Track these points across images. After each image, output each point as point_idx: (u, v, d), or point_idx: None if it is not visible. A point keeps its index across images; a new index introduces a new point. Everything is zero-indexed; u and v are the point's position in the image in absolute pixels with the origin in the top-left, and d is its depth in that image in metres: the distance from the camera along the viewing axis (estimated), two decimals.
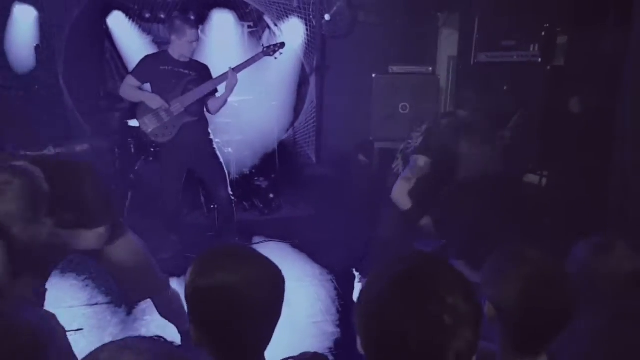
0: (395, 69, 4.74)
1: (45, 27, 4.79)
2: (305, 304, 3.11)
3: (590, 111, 3.50)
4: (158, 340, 0.78)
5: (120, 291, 2.57)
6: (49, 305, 2.28)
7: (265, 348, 1.15)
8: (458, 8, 4.98)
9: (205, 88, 3.38)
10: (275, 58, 3.59)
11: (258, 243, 4.07)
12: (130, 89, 3.38)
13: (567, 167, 3.71)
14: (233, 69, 3.38)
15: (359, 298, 0.93)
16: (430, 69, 4.86)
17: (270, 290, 1.11)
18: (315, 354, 1.11)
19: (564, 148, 3.69)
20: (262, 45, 3.61)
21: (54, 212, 1.93)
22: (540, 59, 3.81)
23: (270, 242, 4.08)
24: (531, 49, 3.87)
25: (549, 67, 3.77)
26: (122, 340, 0.75)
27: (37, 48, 4.35)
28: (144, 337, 0.79)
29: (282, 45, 3.60)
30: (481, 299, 1.22)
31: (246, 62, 3.46)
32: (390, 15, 5.54)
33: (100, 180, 2.13)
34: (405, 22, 5.49)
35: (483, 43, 4.31)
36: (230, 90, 3.41)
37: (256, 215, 4.69)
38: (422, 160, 2.93)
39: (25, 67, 4.55)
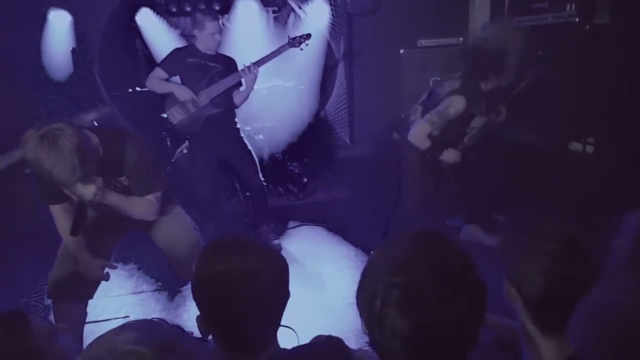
0: (424, 42, 4.61)
1: (79, 30, 4.98)
2: (341, 286, 3.12)
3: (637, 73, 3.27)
4: (160, 323, 0.81)
5: (171, 269, 2.67)
6: (99, 294, 2.42)
7: (273, 335, 1.15)
8: None
9: (229, 81, 3.41)
10: (301, 49, 3.55)
11: (293, 227, 4.12)
12: (157, 80, 3.45)
13: (612, 134, 3.50)
14: (255, 63, 3.37)
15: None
16: (461, 39, 4.68)
17: (270, 278, 1.10)
18: (329, 337, 1.11)
19: (608, 114, 3.47)
20: (288, 36, 3.54)
21: (107, 176, 2.07)
22: (577, 19, 3.57)
23: (305, 226, 4.12)
24: (567, 9, 3.62)
25: (587, 27, 3.52)
26: (130, 322, 0.78)
27: (73, 51, 4.52)
28: (149, 320, 0.82)
29: (308, 36, 3.55)
30: (500, 275, 1.18)
31: (271, 54, 3.45)
32: None
33: (149, 149, 2.19)
34: None
35: (515, 7, 4.10)
36: (250, 84, 3.42)
37: (291, 200, 4.73)
38: (456, 106, 2.87)
39: (63, 71, 4.75)
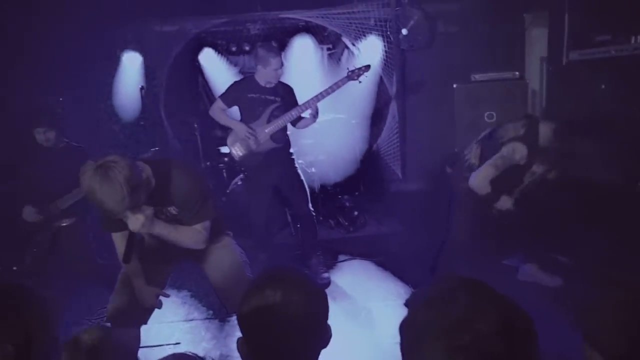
0: (477, 77, 4.58)
1: (148, 69, 5.38)
2: (390, 324, 3.04)
3: None
4: (194, 357, 0.84)
5: (219, 300, 2.71)
6: (153, 320, 2.52)
7: None
8: (546, 6, 4.67)
9: (289, 116, 3.49)
10: (360, 82, 3.58)
11: (343, 261, 4.10)
12: (218, 111, 3.60)
13: None
14: (315, 97, 3.45)
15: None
16: (517, 73, 4.60)
17: (308, 312, 1.13)
18: None
19: None
20: (347, 69, 3.57)
21: (157, 205, 2.16)
22: None
23: (355, 260, 4.08)
24: (632, 41, 3.48)
25: None
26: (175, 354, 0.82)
27: (141, 89, 4.87)
28: (184, 353, 0.85)
29: (367, 68, 3.57)
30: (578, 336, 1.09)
31: (329, 88, 3.50)
32: (471, 22, 5.36)
33: (199, 180, 2.27)
34: (487, 27, 5.27)
35: (575, 40, 3.99)
36: (313, 119, 3.53)
37: (341, 233, 4.73)
38: (521, 150, 2.81)
39: (132, 109, 5.13)
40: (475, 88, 4.54)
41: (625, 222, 3.12)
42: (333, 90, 3.51)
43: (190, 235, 2.24)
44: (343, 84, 3.54)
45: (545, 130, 2.85)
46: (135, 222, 2.01)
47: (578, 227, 3.26)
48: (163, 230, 2.16)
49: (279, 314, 1.10)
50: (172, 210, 2.24)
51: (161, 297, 2.37)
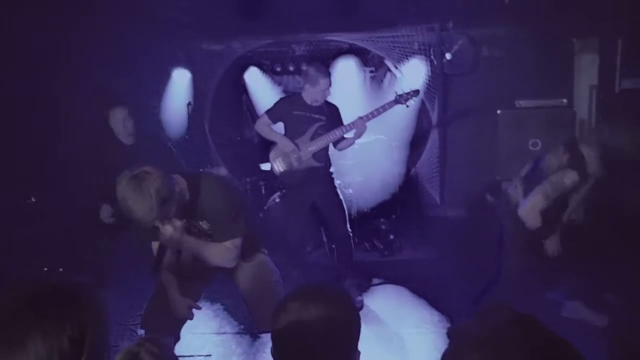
0: (522, 103, 4.48)
1: (196, 86, 5.59)
2: (422, 352, 2.96)
3: None
4: None
5: (250, 316, 2.70)
6: (185, 330, 2.56)
7: None
8: (597, 32, 4.55)
9: (333, 136, 3.52)
10: (407, 106, 3.58)
11: (377, 285, 4.04)
12: (264, 125, 3.63)
13: None
14: (362, 117, 3.46)
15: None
16: (565, 101, 4.47)
17: (345, 330, 1.14)
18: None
19: None
20: (395, 92, 3.57)
21: (190, 219, 2.19)
22: None
23: (389, 285, 4.02)
24: None
25: None
26: None
27: (188, 105, 5.07)
28: None
29: (416, 93, 3.57)
30: None
31: (376, 110, 3.51)
32: (517, 47, 5.28)
33: (234, 196, 2.27)
34: (534, 53, 5.17)
35: (628, 68, 3.86)
36: (357, 137, 3.54)
37: (376, 256, 4.67)
38: (572, 176, 2.71)
39: (179, 122, 5.32)
40: (519, 114, 4.45)
41: None
42: (380, 113, 3.52)
43: (220, 252, 2.24)
44: (390, 107, 3.54)
45: (588, 154, 2.75)
46: (164, 233, 2.05)
47: (627, 264, 3.09)
48: (192, 244, 2.19)
49: (311, 328, 1.11)
50: (204, 224, 2.25)
51: (194, 309, 2.40)
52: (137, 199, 1.86)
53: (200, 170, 4.27)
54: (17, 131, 3.81)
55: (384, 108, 3.52)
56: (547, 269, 3.13)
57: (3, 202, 3.81)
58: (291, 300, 1.18)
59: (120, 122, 3.41)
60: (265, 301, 2.41)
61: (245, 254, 2.41)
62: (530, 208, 2.80)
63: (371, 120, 3.54)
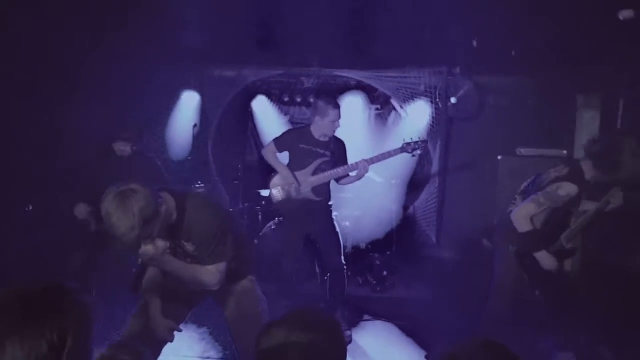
0: (523, 151, 4.54)
1: (203, 108, 5.69)
2: None
3: None
4: None
5: (233, 344, 2.63)
6: (168, 352, 2.50)
7: None
8: (599, 88, 4.67)
9: (335, 173, 3.54)
10: (413, 156, 3.61)
11: (366, 320, 3.98)
12: (270, 152, 3.65)
13: None
14: (366, 160, 3.49)
15: None
16: (565, 152, 4.53)
17: (326, 357, 1.11)
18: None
19: None
20: (403, 140, 3.60)
21: (175, 239, 2.15)
22: None
23: (379, 321, 3.96)
24: None
25: None
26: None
27: (194, 126, 5.14)
28: None
29: (424, 143, 3.60)
30: None
31: (381, 155, 3.55)
32: (521, 96, 5.40)
33: (222, 220, 2.22)
34: (537, 103, 5.29)
35: (629, 125, 3.94)
36: (358, 178, 3.56)
37: (368, 291, 4.63)
38: (566, 188, 2.70)
39: (183, 144, 5.39)
40: (520, 162, 4.49)
41: None
42: (384, 158, 3.55)
43: (202, 275, 2.19)
44: (395, 154, 3.57)
45: (588, 167, 2.77)
46: (145, 253, 2.03)
47: (625, 315, 3.06)
48: (173, 265, 2.15)
49: (294, 354, 1.09)
50: (189, 246, 2.22)
51: (175, 332, 2.35)
52: (120, 215, 1.84)
53: (194, 186, 4.31)
54: (17, 138, 3.87)
55: (389, 154, 3.55)
56: (537, 312, 3.09)
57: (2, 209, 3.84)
58: (277, 325, 1.17)
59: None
60: (248, 330, 2.28)
61: (232, 278, 2.37)
62: (521, 212, 2.80)
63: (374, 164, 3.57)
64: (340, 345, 1.18)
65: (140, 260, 2.07)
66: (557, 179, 2.77)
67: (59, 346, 0.85)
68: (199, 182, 4.61)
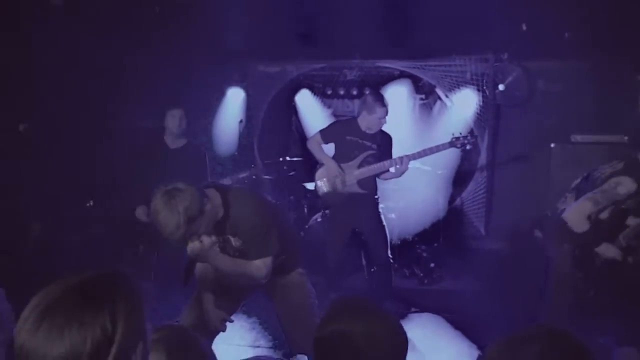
0: (578, 138, 4.34)
1: (249, 104, 5.81)
2: None
3: None
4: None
5: (284, 336, 2.69)
6: (220, 341, 2.61)
7: None
8: None
9: (380, 167, 3.53)
10: (461, 151, 3.57)
11: (414, 312, 3.96)
12: (315, 144, 3.68)
13: None
14: (409, 156, 3.46)
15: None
16: (626, 137, 4.28)
17: (391, 345, 1.12)
18: None
19: None
20: (452, 134, 3.55)
21: (222, 234, 2.22)
22: None
23: (426, 313, 3.93)
24: None
25: None
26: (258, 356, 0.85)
27: (240, 122, 5.26)
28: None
29: (474, 137, 3.53)
30: None
31: (429, 149, 3.51)
32: (575, 81, 5.14)
33: (267, 214, 2.25)
34: (593, 88, 5.01)
35: None
36: (399, 175, 3.53)
37: (415, 284, 4.59)
38: (626, 184, 2.52)
39: (230, 140, 5.52)
40: (575, 149, 4.29)
41: None
42: (432, 152, 3.52)
43: (249, 270, 2.22)
44: (444, 149, 3.53)
45: None
46: (191, 249, 2.09)
47: None
48: (220, 261, 2.21)
49: (356, 343, 1.10)
50: (236, 241, 2.26)
51: (227, 322, 2.43)
52: (166, 214, 1.91)
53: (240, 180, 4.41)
54: (75, 135, 4.10)
55: (437, 148, 3.51)
56: (596, 308, 2.96)
57: (64, 204, 4.09)
58: (336, 314, 1.17)
59: (176, 120, 3.73)
60: (298, 322, 2.42)
61: (281, 271, 2.41)
62: (576, 210, 2.60)
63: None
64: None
65: (189, 255, 2.14)
66: (614, 174, 2.60)
67: (112, 331, 0.88)
68: (244, 175, 4.71)
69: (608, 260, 2.72)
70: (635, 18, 3.71)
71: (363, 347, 1.09)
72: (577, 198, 2.77)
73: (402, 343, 1.16)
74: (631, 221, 2.71)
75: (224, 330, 2.45)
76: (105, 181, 4.16)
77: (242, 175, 4.66)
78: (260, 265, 2.22)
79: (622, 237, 2.71)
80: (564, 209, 2.82)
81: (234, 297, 2.55)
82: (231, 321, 2.48)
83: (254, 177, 5.41)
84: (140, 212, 3.71)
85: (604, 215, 2.66)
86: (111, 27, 3.81)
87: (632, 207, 2.68)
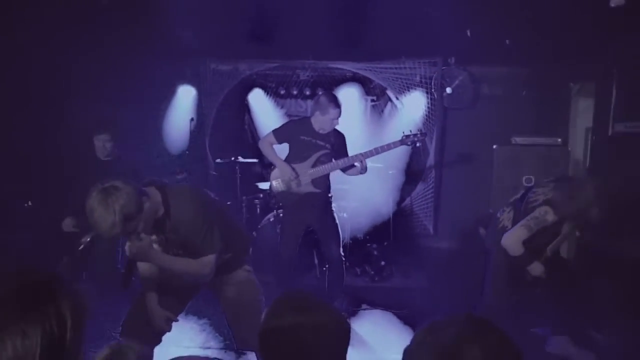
0: (518, 140, 4.57)
1: (200, 103, 5.70)
2: None
3: None
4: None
5: (231, 333, 2.67)
6: (169, 343, 2.54)
7: None
8: (593, 77, 4.69)
9: (334, 166, 3.57)
10: (412, 148, 3.66)
11: (365, 309, 4.03)
12: (267, 144, 3.65)
13: None
14: (363, 154, 3.52)
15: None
16: (560, 140, 4.57)
17: (335, 336, 1.14)
18: None
19: None
20: (403, 132, 3.63)
21: (162, 233, 2.17)
22: None
23: (377, 310, 4.01)
24: None
25: None
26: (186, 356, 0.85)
27: (191, 120, 5.15)
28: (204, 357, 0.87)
29: (423, 135, 3.62)
30: None
31: (380, 147, 3.58)
32: (516, 86, 5.43)
33: (209, 211, 2.20)
34: (532, 93, 5.32)
35: (621, 112, 3.98)
36: (364, 170, 3.61)
37: (366, 281, 4.68)
38: (553, 214, 2.83)
39: (180, 138, 5.40)
40: (515, 151, 4.53)
41: None
42: (384, 151, 3.59)
43: (192, 269, 2.19)
44: (395, 147, 3.60)
45: (576, 193, 2.84)
46: (130, 248, 2.05)
47: (615, 301, 3.12)
48: (161, 260, 2.16)
49: (301, 336, 1.12)
50: (177, 239, 2.21)
51: (174, 322, 2.38)
52: (101, 212, 1.86)
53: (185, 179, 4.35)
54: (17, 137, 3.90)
55: (388, 147, 3.58)
56: (531, 301, 3.16)
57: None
58: (280, 309, 1.18)
59: (101, 143, 3.79)
60: (245, 319, 2.40)
61: (228, 268, 2.40)
62: (513, 238, 2.91)
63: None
64: (345, 322, 1.22)
65: (128, 255, 2.08)
66: (545, 203, 2.85)
67: (60, 336, 0.85)
68: (183, 172, 4.63)
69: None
70: (568, 30, 3.97)
71: (307, 340, 1.11)
72: (514, 216, 3.03)
73: (345, 333, 1.18)
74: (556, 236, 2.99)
75: (169, 330, 2.40)
76: (41, 184, 3.97)
77: (181, 177, 4.55)
78: (202, 263, 2.19)
79: (549, 250, 2.99)
80: (501, 220, 3.05)
81: (180, 296, 2.49)
82: (176, 320, 2.42)
83: (214, 173, 5.34)
84: (68, 223, 3.63)
85: (532, 238, 2.92)
86: (55, 20, 3.64)
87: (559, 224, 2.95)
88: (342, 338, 1.17)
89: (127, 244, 2.04)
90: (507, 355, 0.86)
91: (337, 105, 3.49)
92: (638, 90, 3.83)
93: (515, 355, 0.87)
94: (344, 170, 3.70)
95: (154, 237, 2.15)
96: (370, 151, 3.56)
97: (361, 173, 3.67)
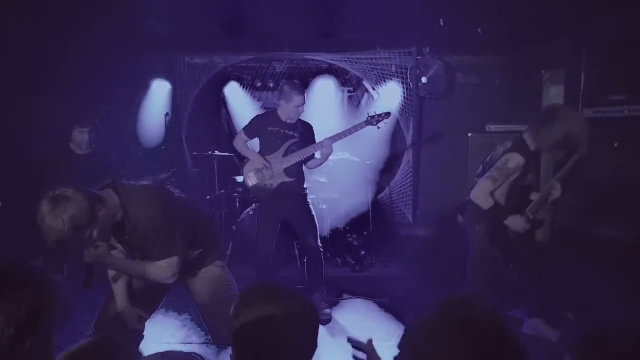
0: (492, 127, 4.65)
1: (175, 97, 5.62)
2: None
3: None
4: (196, 358, 0.87)
5: (207, 327, 2.68)
6: (151, 340, 2.53)
7: None
8: (563, 64, 4.79)
9: (304, 154, 3.60)
10: (379, 128, 3.69)
11: (346, 299, 4.07)
12: (241, 142, 3.72)
13: None
14: (330, 138, 3.55)
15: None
16: None
17: (306, 323, 1.17)
18: None
19: None
20: (368, 114, 3.68)
21: (122, 236, 2.13)
22: None
23: (359, 299, 4.06)
24: None
25: None
26: (165, 352, 0.86)
27: (166, 115, 5.07)
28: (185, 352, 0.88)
29: (387, 115, 3.66)
30: None
31: (347, 130, 3.61)
32: (489, 75, 5.51)
33: (170, 213, 2.14)
34: (505, 82, 5.40)
35: (590, 98, 4.08)
36: (325, 158, 3.62)
37: (347, 272, 4.71)
38: (515, 160, 2.87)
39: (156, 134, 5.32)
40: (490, 138, 4.61)
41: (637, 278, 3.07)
42: (351, 133, 3.62)
43: (153, 272, 2.14)
44: (361, 128, 3.64)
45: (530, 139, 2.93)
46: (88, 256, 2.02)
47: (588, 284, 3.22)
48: (120, 265, 2.14)
49: (271, 325, 1.14)
50: (137, 243, 2.16)
51: (147, 319, 2.37)
52: (50, 222, 1.80)
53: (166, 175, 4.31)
54: None
55: (355, 129, 3.62)
56: (509, 285, 3.24)
57: None
58: (248, 301, 1.19)
59: (83, 136, 3.72)
60: (219, 313, 2.38)
61: (199, 264, 2.40)
62: (480, 189, 2.96)
63: (341, 140, 3.63)
64: (313, 308, 1.24)
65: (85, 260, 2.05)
66: (505, 153, 2.92)
67: (30, 324, 0.85)
68: (172, 170, 4.58)
69: (519, 234, 3.00)
70: (539, 19, 4.04)
71: (278, 328, 1.13)
72: (482, 173, 3.08)
73: (314, 320, 1.21)
74: (534, 196, 3.03)
75: (142, 329, 2.38)
76: (18, 180, 3.86)
77: (164, 176, 4.50)
78: (164, 266, 2.14)
79: (528, 211, 3.02)
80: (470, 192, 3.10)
81: (152, 294, 2.46)
82: (147, 318, 2.40)
83: (194, 170, 5.28)
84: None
85: (506, 192, 2.96)
86: (26, 13, 3.53)
87: (533, 183, 3.01)
88: (312, 324, 1.19)
89: (85, 251, 2.00)
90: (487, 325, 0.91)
91: (301, 92, 3.53)
92: (607, 77, 3.93)
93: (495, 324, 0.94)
94: (305, 163, 3.71)
95: (112, 243, 2.11)
96: (338, 135, 3.59)
97: (324, 161, 3.68)
